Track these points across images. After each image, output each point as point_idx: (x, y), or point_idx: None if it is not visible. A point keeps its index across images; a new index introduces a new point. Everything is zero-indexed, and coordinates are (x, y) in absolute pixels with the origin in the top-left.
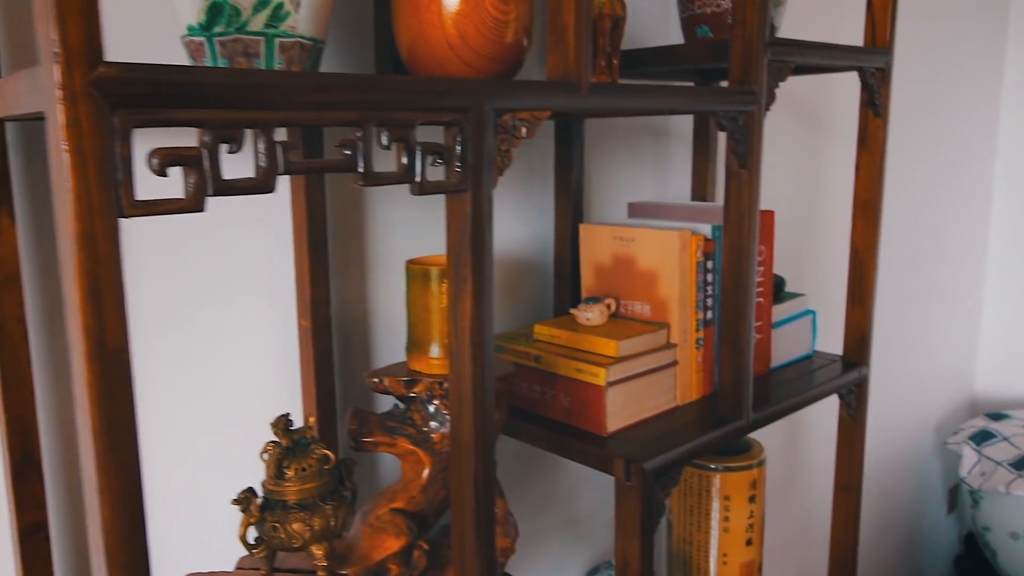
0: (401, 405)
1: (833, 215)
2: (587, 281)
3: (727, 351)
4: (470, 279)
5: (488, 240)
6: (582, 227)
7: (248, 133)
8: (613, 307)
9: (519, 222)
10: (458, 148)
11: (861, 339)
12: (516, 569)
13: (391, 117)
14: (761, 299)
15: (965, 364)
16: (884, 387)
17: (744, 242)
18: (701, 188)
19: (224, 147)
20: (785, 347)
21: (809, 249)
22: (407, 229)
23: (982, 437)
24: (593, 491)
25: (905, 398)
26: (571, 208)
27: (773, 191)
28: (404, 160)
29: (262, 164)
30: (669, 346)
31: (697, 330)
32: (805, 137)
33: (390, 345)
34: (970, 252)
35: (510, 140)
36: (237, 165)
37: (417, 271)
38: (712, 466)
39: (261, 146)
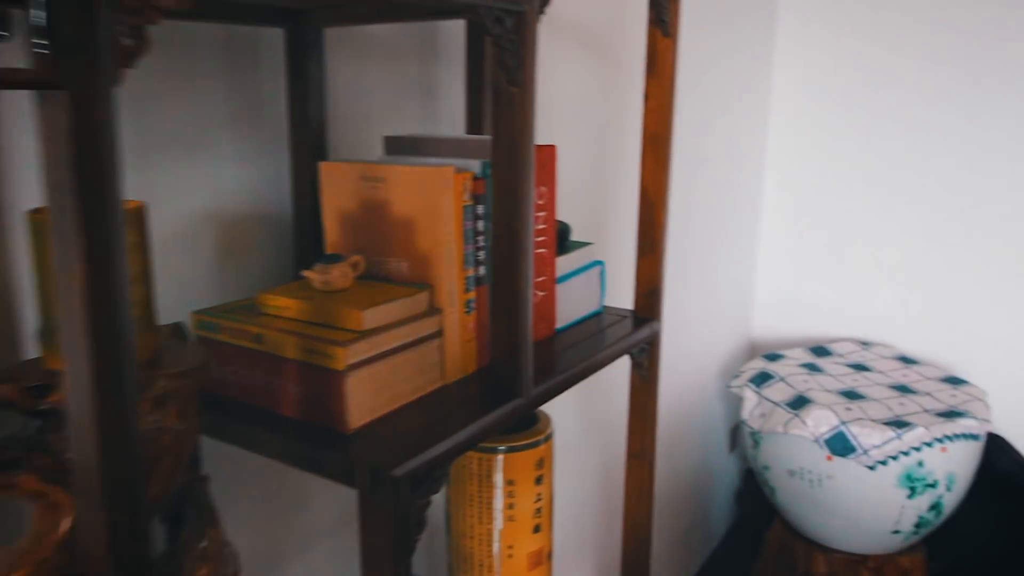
0: (33, 423)
1: (626, 154)
2: (331, 234)
3: (501, 315)
4: (79, 234)
5: (111, 170)
6: (322, 166)
7: None
8: (361, 266)
9: (241, 160)
10: (39, 12)
11: (652, 292)
12: None
13: None
14: (543, 250)
15: (744, 308)
16: (672, 333)
17: (518, 179)
18: (477, 121)
19: None
20: (572, 304)
21: (600, 192)
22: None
23: (761, 379)
24: (349, 498)
25: (690, 343)
26: (311, 143)
27: (558, 127)
28: None
29: None
30: (432, 312)
31: (467, 290)
32: (595, 67)
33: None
34: (748, 197)
35: (142, 9)
36: None
37: (41, 224)
38: (492, 447)
39: None
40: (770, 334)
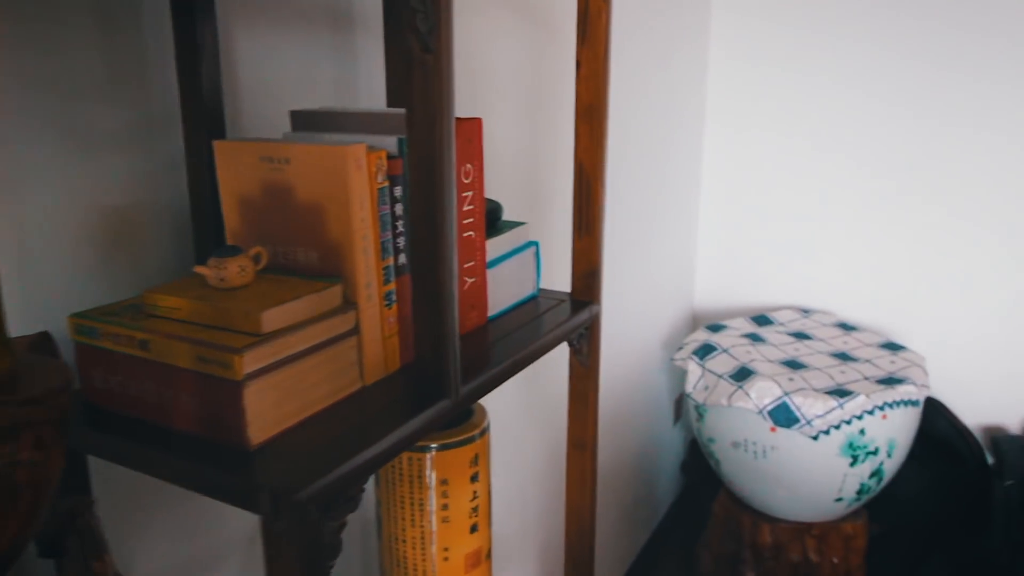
0: None
1: (563, 127)
2: (231, 223)
3: (423, 308)
4: None
5: None
6: (217, 146)
7: None
8: (263, 259)
9: (125, 140)
10: None
11: (590, 273)
12: None
13: None
14: (471, 233)
15: (685, 279)
16: (614, 306)
17: (435, 156)
18: (399, 93)
19: None
20: (505, 289)
21: (535, 169)
22: None
23: (705, 351)
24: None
25: (632, 316)
26: (205, 120)
27: (488, 99)
28: None
29: None
30: (346, 308)
31: (386, 282)
32: (528, 33)
33: None
34: (687, 168)
35: None
36: None
37: None
38: (423, 445)
39: None
40: (712, 304)
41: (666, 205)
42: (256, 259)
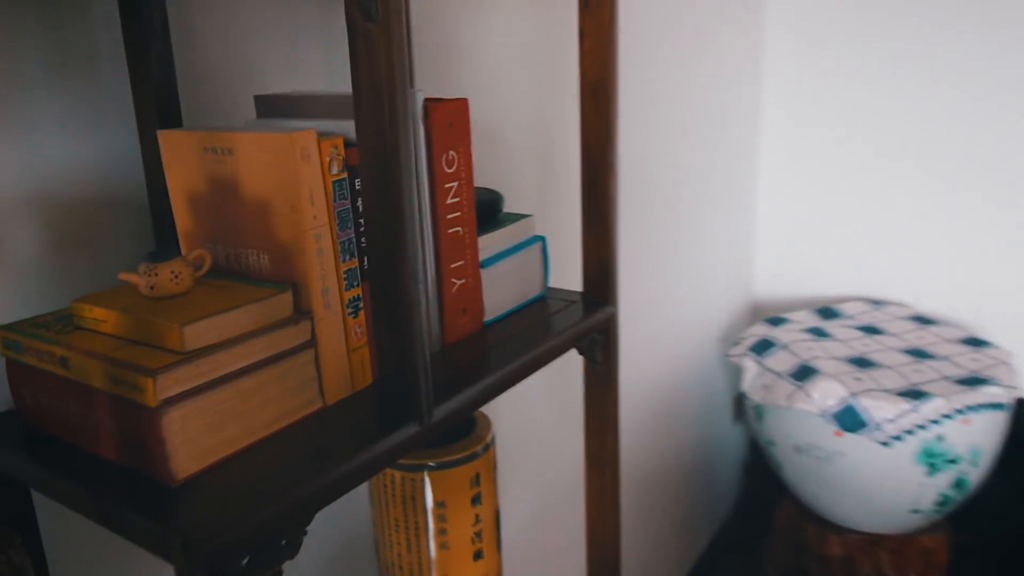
0: None
1: (571, 107)
2: (182, 221)
3: (382, 318)
4: None
5: None
6: (161, 136)
7: None
8: (205, 263)
9: (75, 128)
10: None
11: (602, 269)
12: None
13: None
14: (459, 228)
15: (744, 267)
16: (665, 296)
17: (387, 142)
18: None
19: None
20: (505, 290)
21: (545, 153)
22: None
23: (763, 347)
24: None
25: (686, 306)
26: (155, 108)
27: (492, 77)
28: None
29: None
30: (297, 317)
31: (349, 287)
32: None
33: None
34: (743, 145)
35: None
36: None
37: None
38: (419, 463)
39: None
40: (774, 294)
41: (720, 188)
42: (197, 263)
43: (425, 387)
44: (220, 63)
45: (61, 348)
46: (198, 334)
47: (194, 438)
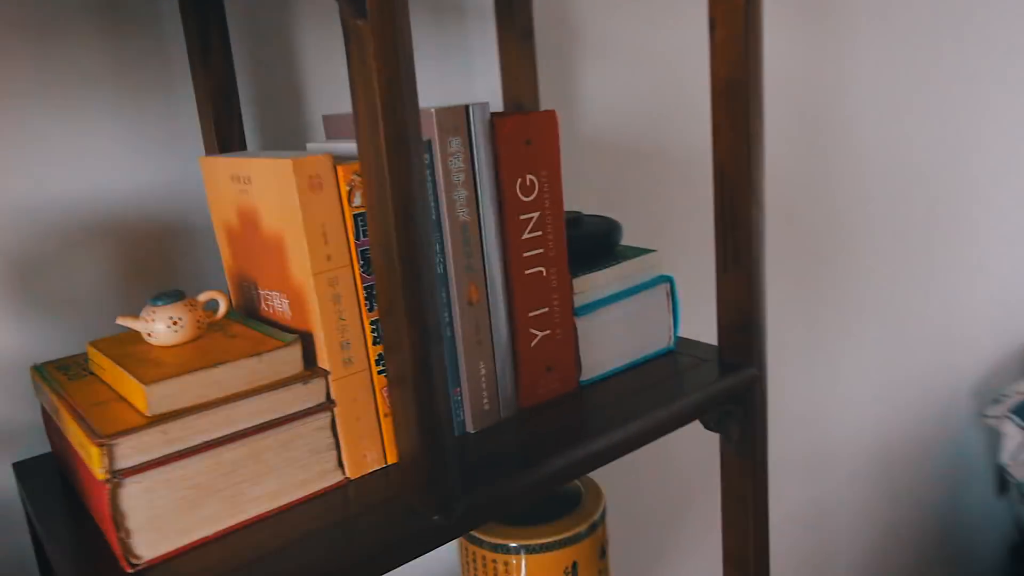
0: None
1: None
2: (224, 254)
3: (395, 388)
4: None
5: None
6: (201, 162)
7: None
8: (220, 307)
9: (146, 150)
10: None
11: (743, 319)
12: None
13: None
14: (541, 268)
15: (1011, 305)
16: (896, 337)
17: (389, 163)
18: (515, 87)
19: None
20: (616, 341)
21: (674, 178)
22: None
23: None
24: None
25: (927, 352)
26: (223, 130)
27: (607, 83)
28: None
29: None
30: (307, 377)
31: (377, 341)
32: None
33: None
34: (1006, 151)
35: None
36: None
37: None
38: (504, 544)
39: None
40: None
41: (975, 202)
42: (212, 307)
43: (448, 475)
44: (291, 83)
45: (57, 397)
46: (168, 395)
47: (163, 515)
